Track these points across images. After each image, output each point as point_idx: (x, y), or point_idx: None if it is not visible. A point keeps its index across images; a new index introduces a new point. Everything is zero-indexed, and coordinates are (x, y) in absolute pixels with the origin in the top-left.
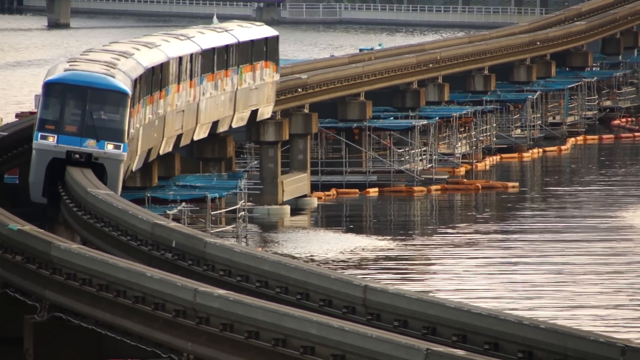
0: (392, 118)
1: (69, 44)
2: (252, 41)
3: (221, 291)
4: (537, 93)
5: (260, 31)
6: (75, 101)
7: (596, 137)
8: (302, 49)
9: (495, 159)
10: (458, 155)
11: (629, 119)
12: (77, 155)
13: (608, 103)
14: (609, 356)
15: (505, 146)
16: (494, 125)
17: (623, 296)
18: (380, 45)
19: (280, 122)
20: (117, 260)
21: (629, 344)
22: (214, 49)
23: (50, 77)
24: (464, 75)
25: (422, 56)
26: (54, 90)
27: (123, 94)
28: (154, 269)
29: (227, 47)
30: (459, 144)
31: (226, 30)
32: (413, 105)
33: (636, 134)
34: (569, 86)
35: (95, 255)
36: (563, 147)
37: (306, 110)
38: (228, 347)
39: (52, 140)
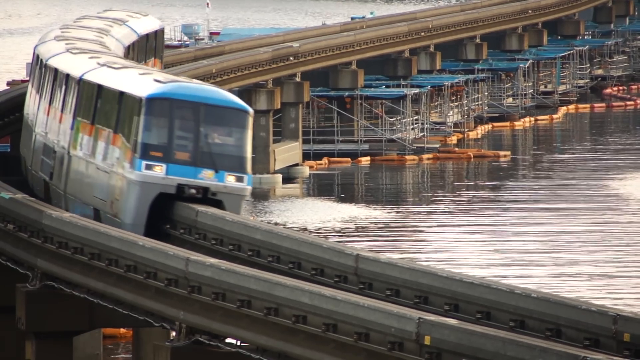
0: (383, 87)
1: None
2: (147, 35)
3: (213, 260)
4: (529, 62)
5: (150, 23)
6: (186, 121)
7: (588, 105)
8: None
9: (487, 127)
10: (450, 124)
11: (621, 88)
12: (193, 190)
13: (600, 72)
14: (601, 325)
15: (497, 115)
16: (486, 94)
17: (614, 264)
18: (372, 13)
19: (272, 90)
20: (108, 229)
21: (620, 313)
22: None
23: (152, 91)
24: (456, 44)
25: (414, 25)
26: (158, 107)
27: (244, 112)
28: (145, 238)
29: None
30: (451, 112)
31: (123, 22)
32: (405, 74)
33: (627, 102)
34: (561, 55)
35: (87, 224)
36: (555, 116)
37: (298, 79)
38: (220, 316)
39: (159, 170)
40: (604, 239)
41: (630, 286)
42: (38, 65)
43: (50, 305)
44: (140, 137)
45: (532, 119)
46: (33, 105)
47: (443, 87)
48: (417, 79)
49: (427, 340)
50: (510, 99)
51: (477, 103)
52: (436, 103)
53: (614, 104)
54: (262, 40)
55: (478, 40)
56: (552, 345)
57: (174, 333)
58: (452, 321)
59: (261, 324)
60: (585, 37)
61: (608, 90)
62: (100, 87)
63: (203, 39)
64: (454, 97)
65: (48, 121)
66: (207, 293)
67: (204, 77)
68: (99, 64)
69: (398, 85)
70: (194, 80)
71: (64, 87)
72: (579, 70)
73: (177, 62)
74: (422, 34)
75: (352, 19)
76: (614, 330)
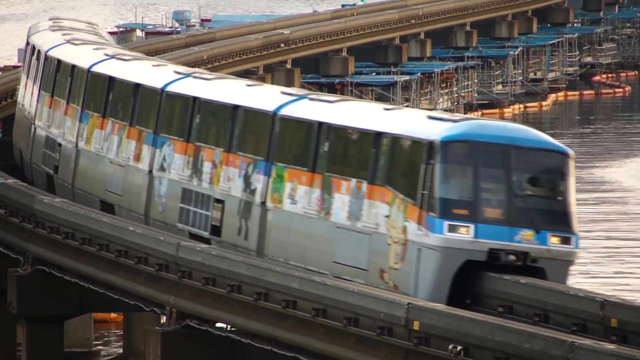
0: (374, 74)
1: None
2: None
3: (203, 245)
4: (519, 49)
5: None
6: (495, 169)
7: (577, 93)
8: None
9: (477, 114)
10: (440, 110)
11: (610, 75)
12: (512, 256)
13: (589, 59)
14: (589, 310)
15: (486, 102)
16: (476, 81)
17: (604, 251)
18: (362, 1)
19: (263, 77)
20: (100, 215)
21: (608, 299)
22: None
23: (448, 133)
24: (446, 31)
25: (405, 12)
26: (457, 152)
27: (564, 155)
28: (136, 223)
29: None
30: (441, 99)
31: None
32: (395, 61)
33: (616, 90)
34: (550, 42)
35: (78, 209)
36: (544, 103)
37: (288, 66)
38: (210, 301)
39: (466, 232)
40: (593, 220)
41: (608, 274)
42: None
43: (41, 290)
44: (438, 191)
45: (522, 106)
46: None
47: (433, 74)
48: (407, 66)
49: (416, 326)
50: (500, 86)
51: (466, 90)
52: (426, 90)
53: (603, 91)
54: (253, 27)
55: (468, 28)
56: (540, 330)
57: (164, 318)
58: (440, 306)
59: (251, 309)
60: (575, 25)
61: (597, 78)
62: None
63: (194, 26)
64: (444, 84)
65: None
66: (197, 278)
67: (195, 64)
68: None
69: (388, 73)
70: (483, 118)
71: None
72: (568, 58)
73: (168, 49)
74: (413, 21)
75: (343, 6)
76: (601, 315)
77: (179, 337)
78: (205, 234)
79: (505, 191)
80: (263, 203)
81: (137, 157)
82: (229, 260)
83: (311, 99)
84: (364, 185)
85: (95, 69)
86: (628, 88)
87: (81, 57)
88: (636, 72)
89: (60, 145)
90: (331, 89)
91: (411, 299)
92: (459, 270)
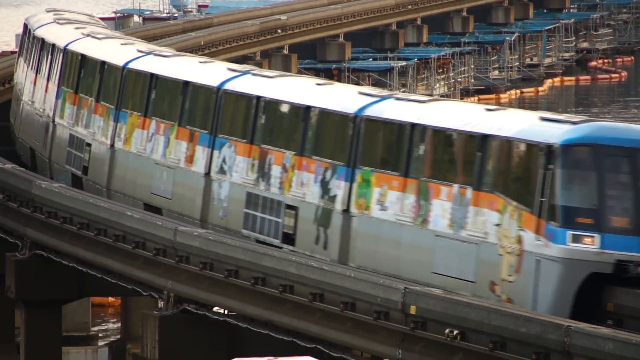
0: (370, 59)
1: None
2: None
3: (201, 230)
4: (515, 35)
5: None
6: (620, 175)
7: (573, 78)
8: None
9: (473, 100)
10: (437, 96)
11: (606, 61)
12: None
13: (585, 45)
14: None
15: (483, 87)
16: (472, 66)
17: None
18: None
19: (260, 63)
20: (97, 199)
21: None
22: None
23: (569, 136)
24: (443, 17)
25: None
26: (579, 156)
27: None
28: (134, 208)
29: None
30: (437, 85)
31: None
32: (392, 47)
33: (612, 75)
34: (547, 28)
35: (76, 194)
36: (540, 89)
37: (285, 52)
38: (208, 286)
39: (591, 243)
40: None
41: None
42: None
43: (39, 274)
44: (559, 199)
45: (518, 91)
46: None
47: (430, 60)
48: (404, 52)
49: (412, 310)
50: (496, 72)
51: (463, 76)
52: (423, 76)
53: (599, 76)
54: (250, 12)
55: (465, 14)
56: (536, 315)
57: (162, 302)
58: (437, 291)
59: (248, 294)
60: (571, 11)
61: (593, 63)
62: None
63: (191, 12)
64: (441, 70)
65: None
66: (195, 263)
67: (192, 50)
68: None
69: (385, 58)
70: (602, 119)
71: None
72: (565, 43)
73: (165, 35)
74: (409, 7)
75: None
76: None
77: (176, 322)
78: (276, 242)
79: (633, 198)
80: (346, 210)
81: (190, 159)
82: (226, 245)
83: (398, 99)
84: (469, 191)
85: (132, 65)
86: (624, 73)
87: (111, 52)
88: (632, 57)
89: (89, 145)
90: (328, 74)
91: (407, 283)
92: (583, 283)
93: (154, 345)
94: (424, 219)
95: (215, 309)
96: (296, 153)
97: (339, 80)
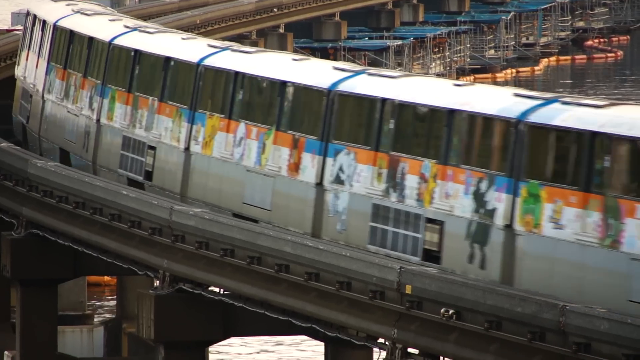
0: (366, 38)
1: None
2: None
3: (196, 209)
4: (511, 14)
5: None
6: None
7: (569, 57)
8: None
9: (469, 79)
10: (432, 75)
11: (602, 40)
12: None
13: (581, 24)
14: None
15: (478, 67)
16: (468, 45)
17: None
18: None
19: (256, 42)
20: (93, 179)
21: None
22: None
23: None
24: None
25: None
26: None
27: None
28: (130, 188)
29: None
30: (433, 64)
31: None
32: (388, 26)
33: (608, 54)
34: (543, 7)
35: (72, 173)
36: (536, 68)
37: (281, 30)
38: (203, 265)
39: None
40: None
41: None
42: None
43: (35, 253)
44: None
45: (514, 70)
46: None
47: (425, 39)
48: (399, 31)
49: (408, 290)
50: (492, 51)
51: (459, 55)
52: (419, 55)
53: (595, 56)
54: None
55: None
56: (532, 294)
57: (157, 281)
58: (432, 270)
59: (244, 273)
60: None
61: (589, 43)
62: None
63: None
64: (437, 49)
65: None
66: (190, 242)
67: (188, 28)
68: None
69: (381, 37)
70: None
71: None
72: (561, 23)
73: (161, 13)
74: None
75: None
76: None
77: (172, 301)
78: (415, 259)
79: None
80: (508, 226)
81: (295, 167)
82: (221, 224)
83: (564, 103)
84: None
85: (206, 62)
86: (620, 53)
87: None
88: (628, 36)
89: (153, 148)
90: (324, 53)
91: (403, 262)
92: None
93: (149, 324)
94: (614, 239)
95: (211, 288)
96: (439, 162)
97: (335, 60)
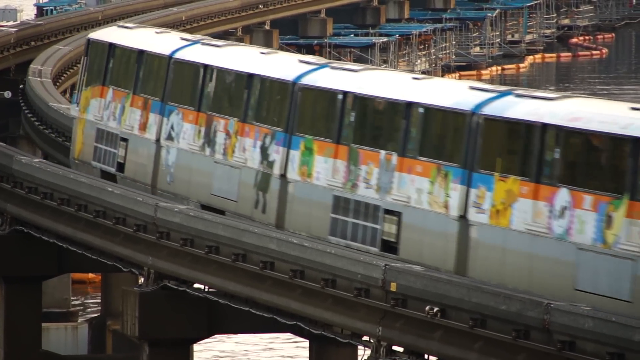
0: (352, 35)
1: None
2: None
3: (181, 206)
4: (497, 11)
5: None
6: None
7: (554, 55)
8: None
9: (455, 76)
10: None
11: (587, 37)
12: None
13: (566, 21)
14: None
15: (464, 64)
16: (454, 43)
17: None
18: None
19: (242, 38)
20: (78, 175)
21: None
22: None
23: None
24: None
25: None
26: None
27: None
28: (115, 184)
29: None
30: (419, 61)
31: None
32: (373, 23)
33: (593, 52)
34: (528, 4)
35: (57, 170)
36: (521, 65)
37: (267, 27)
38: (188, 262)
39: None
40: None
41: None
42: None
43: (19, 250)
44: None
45: (499, 68)
46: None
47: (411, 36)
48: (385, 28)
49: (393, 287)
50: (478, 48)
51: (444, 52)
52: (404, 52)
53: (580, 53)
54: None
55: None
56: (516, 292)
57: (142, 278)
58: (417, 268)
59: (229, 270)
60: None
61: (574, 40)
62: None
63: None
64: (422, 46)
65: None
66: (175, 239)
67: (174, 25)
68: None
69: (366, 34)
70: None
71: None
72: (546, 20)
73: (147, 9)
74: None
75: None
76: None
77: (156, 298)
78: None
79: None
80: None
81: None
82: (206, 221)
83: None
84: None
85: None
86: (605, 50)
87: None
88: (613, 34)
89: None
90: (310, 50)
91: (388, 260)
92: None
93: (134, 321)
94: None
95: (196, 285)
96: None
97: (320, 57)
